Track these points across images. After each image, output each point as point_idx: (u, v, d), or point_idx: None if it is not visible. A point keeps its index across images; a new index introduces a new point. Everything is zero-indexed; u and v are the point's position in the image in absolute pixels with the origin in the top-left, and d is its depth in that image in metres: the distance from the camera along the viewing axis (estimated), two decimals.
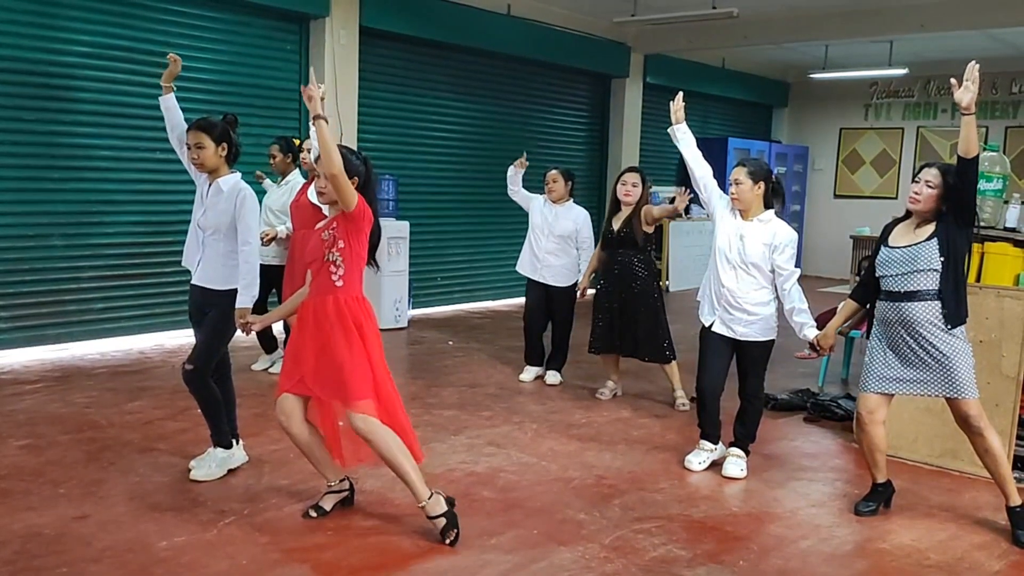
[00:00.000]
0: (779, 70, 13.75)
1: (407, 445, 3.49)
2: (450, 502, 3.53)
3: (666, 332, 5.63)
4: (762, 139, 13.93)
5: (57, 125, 6.45)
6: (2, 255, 6.25)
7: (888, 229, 3.92)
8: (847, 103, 13.82)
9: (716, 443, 4.53)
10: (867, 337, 4.19)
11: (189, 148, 3.93)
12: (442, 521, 3.45)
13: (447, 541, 3.43)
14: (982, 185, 4.68)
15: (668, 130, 4.71)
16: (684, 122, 4.66)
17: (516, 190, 6.36)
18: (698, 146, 4.73)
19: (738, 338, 4.34)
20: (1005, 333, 4.42)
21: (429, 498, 3.45)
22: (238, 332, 4.00)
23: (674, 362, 5.69)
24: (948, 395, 3.75)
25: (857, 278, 4.63)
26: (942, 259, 3.67)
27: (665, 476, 4.40)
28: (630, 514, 3.87)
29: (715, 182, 4.58)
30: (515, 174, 6.32)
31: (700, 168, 4.61)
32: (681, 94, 4.65)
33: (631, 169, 5.77)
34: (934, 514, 4.01)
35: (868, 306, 4.08)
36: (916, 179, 3.75)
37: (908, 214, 3.87)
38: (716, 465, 4.48)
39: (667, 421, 5.34)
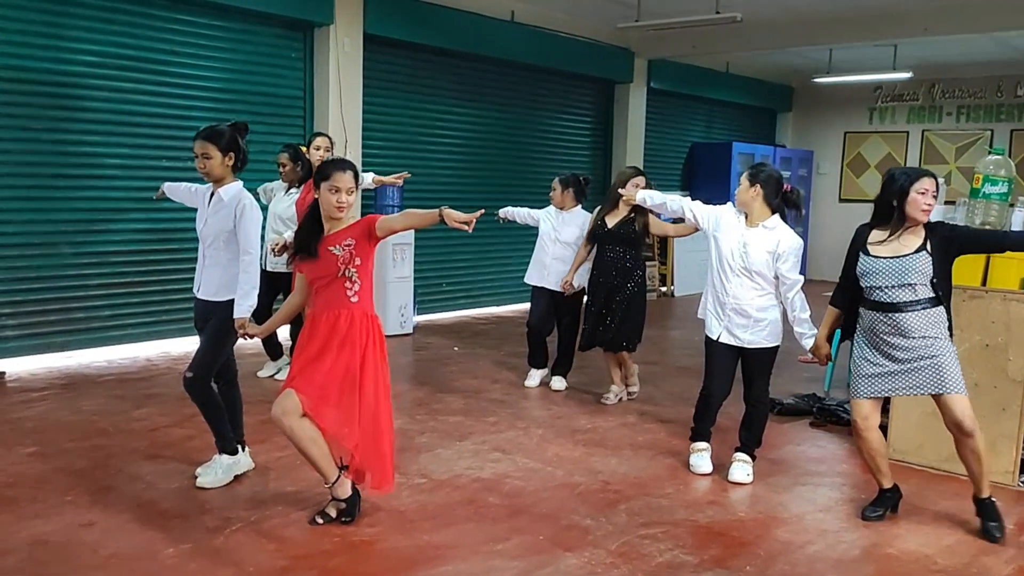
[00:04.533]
0: (783, 74, 13.74)
1: (372, 473, 3.61)
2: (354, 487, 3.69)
3: (642, 325, 5.73)
4: (766, 143, 13.92)
5: (64, 134, 6.48)
6: (10, 263, 6.27)
7: (864, 234, 3.87)
8: (851, 107, 13.80)
9: (709, 440, 4.56)
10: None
11: (196, 157, 3.93)
12: (343, 504, 3.65)
13: (340, 518, 3.65)
14: (987, 188, 4.68)
15: (639, 201, 5.04)
16: (635, 197, 5.05)
17: (519, 221, 6.35)
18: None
19: (745, 345, 4.33)
20: (1011, 337, 4.40)
21: (336, 480, 3.60)
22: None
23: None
24: (937, 391, 3.74)
25: None
26: (934, 279, 3.68)
27: (671, 481, 4.40)
28: (636, 519, 3.87)
29: (700, 203, 4.62)
30: (509, 214, 6.34)
31: (680, 208, 4.67)
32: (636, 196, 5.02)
33: (642, 172, 5.72)
34: (941, 519, 4.00)
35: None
36: (922, 191, 3.68)
37: (880, 219, 3.83)
38: (722, 470, 4.48)
39: (673, 426, 5.33)
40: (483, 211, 3.44)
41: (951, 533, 3.85)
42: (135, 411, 5.27)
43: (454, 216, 3.32)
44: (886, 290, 3.73)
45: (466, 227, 3.32)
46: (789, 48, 10.97)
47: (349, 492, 3.66)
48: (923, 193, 3.68)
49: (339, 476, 3.61)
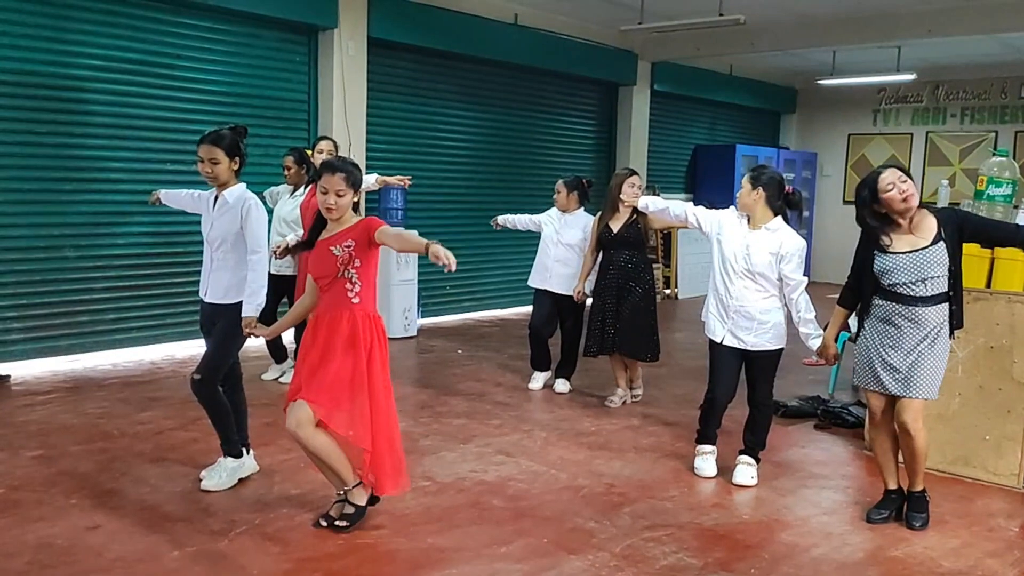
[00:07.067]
0: (787, 76, 13.73)
1: (385, 474, 3.58)
2: (371, 500, 3.68)
3: (656, 331, 5.72)
4: (770, 145, 13.90)
5: (69, 137, 6.50)
6: (15, 266, 6.29)
7: (873, 234, 3.83)
8: (855, 109, 13.78)
9: (715, 442, 4.56)
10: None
11: (202, 162, 3.93)
12: (351, 509, 3.62)
13: (336, 522, 3.62)
14: (992, 191, 4.67)
15: (641, 207, 5.25)
16: (637, 202, 5.29)
17: (521, 228, 6.38)
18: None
19: (749, 348, 4.33)
20: (1016, 339, 4.40)
21: (355, 485, 3.61)
22: (248, 341, 4.02)
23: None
24: (903, 393, 3.75)
25: None
26: (951, 268, 3.69)
27: (675, 484, 4.39)
28: (640, 522, 3.86)
29: (703, 208, 4.66)
30: (505, 221, 6.41)
31: (683, 212, 4.71)
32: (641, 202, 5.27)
33: (636, 171, 5.75)
34: (946, 521, 3.99)
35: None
36: (888, 188, 3.66)
37: (881, 228, 3.80)
38: (726, 473, 4.47)
39: (677, 429, 5.33)
40: (454, 268, 3.34)
41: (956, 535, 3.84)
42: (140, 414, 5.28)
43: (437, 251, 3.29)
44: (909, 285, 3.71)
45: (441, 261, 3.28)
46: (793, 50, 10.97)
47: (364, 501, 3.66)
48: (890, 189, 3.68)
49: (359, 483, 3.62)
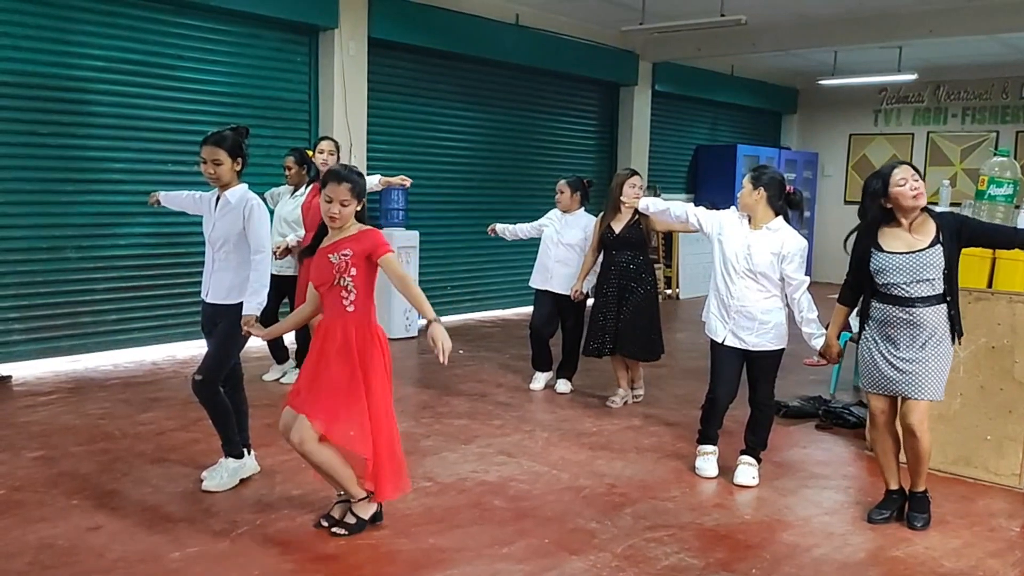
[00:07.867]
0: (788, 76, 13.73)
1: (386, 479, 3.55)
2: (375, 516, 3.66)
3: (660, 331, 5.72)
4: (771, 146, 13.90)
5: (71, 138, 6.50)
6: (17, 267, 6.29)
7: (872, 231, 3.83)
8: (856, 109, 13.78)
9: (716, 443, 4.56)
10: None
11: (204, 163, 3.94)
12: (353, 520, 3.61)
13: (332, 528, 3.61)
14: (993, 191, 4.68)
15: (642, 209, 5.18)
16: (638, 203, 5.21)
17: (523, 236, 6.39)
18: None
19: (750, 348, 4.33)
20: (1017, 339, 4.40)
21: (361, 500, 3.61)
22: (249, 342, 4.02)
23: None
24: (909, 395, 3.75)
25: None
26: (945, 271, 3.69)
27: (676, 484, 4.39)
28: (641, 523, 3.86)
29: (703, 209, 4.68)
30: (503, 231, 6.46)
31: (684, 213, 4.73)
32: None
33: (637, 172, 5.77)
34: (948, 521, 3.99)
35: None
36: (901, 180, 3.68)
37: (884, 216, 3.81)
38: (727, 473, 4.47)
39: (678, 429, 5.33)
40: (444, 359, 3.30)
41: (958, 535, 3.84)
42: (141, 415, 5.28)
43: (434, 335, 3.29)
44: (904, 286, 3.72)
45: (437, 348, 3.25)
46: (794, 50, 10.98)
47: (368, 515, 3.65)
48: (903, 184, 3.69)
49: (367, 497, 3.61)
